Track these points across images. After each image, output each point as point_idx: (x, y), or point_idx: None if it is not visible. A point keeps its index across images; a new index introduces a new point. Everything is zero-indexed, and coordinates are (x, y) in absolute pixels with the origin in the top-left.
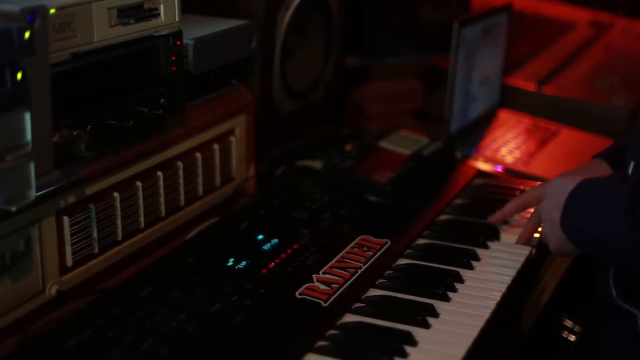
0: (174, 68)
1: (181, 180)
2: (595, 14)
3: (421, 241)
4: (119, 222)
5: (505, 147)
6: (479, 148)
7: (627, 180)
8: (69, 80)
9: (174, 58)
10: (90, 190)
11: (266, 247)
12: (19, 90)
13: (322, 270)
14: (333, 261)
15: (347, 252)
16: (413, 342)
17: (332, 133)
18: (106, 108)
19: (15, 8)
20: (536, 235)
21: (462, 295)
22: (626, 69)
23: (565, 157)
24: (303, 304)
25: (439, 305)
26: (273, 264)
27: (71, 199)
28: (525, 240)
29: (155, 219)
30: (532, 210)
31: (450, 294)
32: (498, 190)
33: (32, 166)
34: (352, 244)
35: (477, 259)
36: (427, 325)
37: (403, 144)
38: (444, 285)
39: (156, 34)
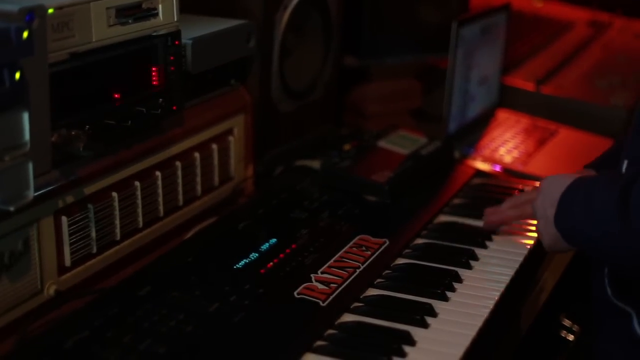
0: (172, 68)
1: (180, 180)
2: (594, 14)
3: (420, 241)
4: (117, 222)
5: (504, 146)
6: (478, 148)
7: (620, 178)
8: (67, 80)
9: (172, 58)
10: (89, 190)
11: (265, 247)
12: (17, 90)
13: (321, 270)
14: (331, 261)
15: (346, 252)
16: (411, 342)
17: (330, 133)
18: (104, 108)
19: (13, 8)
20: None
21: (460, 295)
22: (625, 69)
23: (564, 157)
24: (301, 304)
25: (437, 305)
26: (271, 263)
27: (69, 199)
28: (494, 221)
29: (154, 219)
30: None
31: (449, 294)
32: (496, 190)
33: (30, 166)
34: (351, 243)
35: (476, 258)
36: (425, 325)
37: (401, 143)
38: (442, 285)
39: (154, 34)
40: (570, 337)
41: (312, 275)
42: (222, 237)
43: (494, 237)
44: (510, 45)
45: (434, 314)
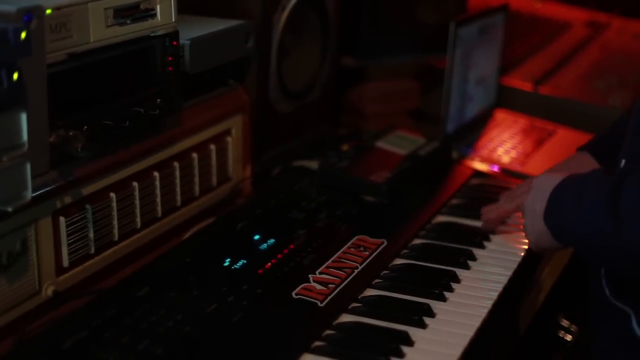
0: (170, 68)
1: (177, 181)
2: (592, 14)
3: (417, 241)
4: (115, 222)
5: (502, 147)
6: (476, 148)
7: (611, 175)
8: (65, 81)
9: (170, 58)
10: (87, 190)
11: (262, 247)
12: (15, 91)
13: (319, 270)
14: (329, 261)
15: (344, 252)
16: (409, 342)
17: (328, 133)
18: (102, 108)
19: (11, 8)
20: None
21: (458, 295)
22: (622, 69)
23: (562, 157)
24: (299, 304)
25: (435, 305)
26: (269, 264)
27: (67, 200)
28: (491, 218)
29: (152, 220)
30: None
31: (447, 294)
32: (494, 190)
33: (28, 167)
34: (349, 244)
35: (474, 258)
36: (423, 325)
37: (400, 144)
38: (440, 285)
39: (153, 34)
40: (568, 338)
41: (310, 275)
42: (220, 237)
43: (492, 237)
44: (508, 46)
45: (432, 314)
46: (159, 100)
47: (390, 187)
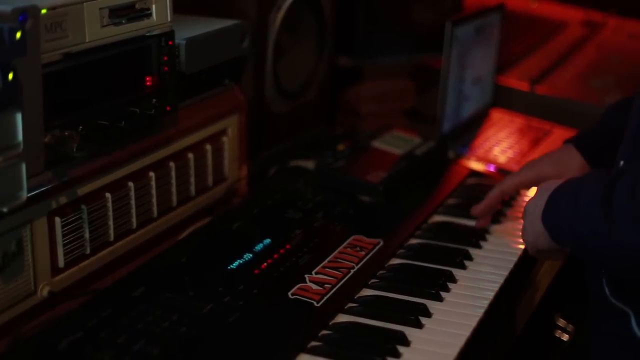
0: (166, 68)
1: (173, 181)
2: (588, 14)
3: (414, 241)
4: (111, 222)
5: (498, 146)
6: (472, 148)
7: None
8: (61, 81)
9: (166, 58)
10: (82, 191)
11: (259, 247)
12: (10, 91)
13: (315, 271)
14: (326, 261)
15: (340, 252)
16: (406, 342)
17: (324, 133)
18: (98, 108)
19: (6, 8)
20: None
21: (455, 295)
22: (619, 69)
23: None
24: (296, 304)
25: (431, 305)
26: (265, 264)
27: (63, 200)
28: (481, 209)
29: (148, 220)
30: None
31: (443, 294)
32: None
33: (23, 167)
34: (345, 244)
35: (470, 258)
36: (420, 325)
37: (396, 143)
38: (436, 285)
39: (148, 34)
40: (565, 337)
41: (306, 275)
42: (216, 237)
43: (488, 237)
44: (504, 45)
45: (428, 314)
46: (154, 100)
47: (386, 186)
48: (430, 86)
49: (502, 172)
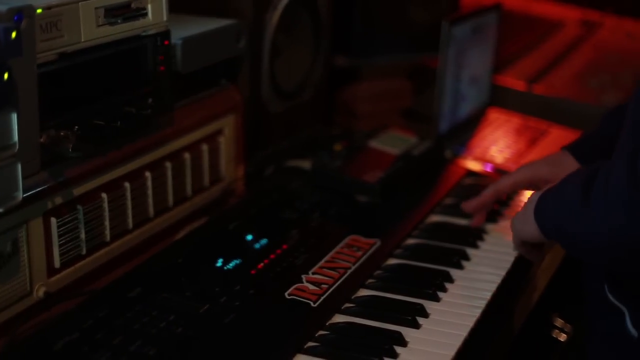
0: (162, 68)
1: (170, 181)
2: (585, 13)
3: (411, 241)
4: (107, 223)
5: (495, 146)
6: (469, 147)
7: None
8: (56, 81)
9: (161, 58)
10: (78, 191)
11: (255, 247)
12: (5, 91)
13: (312, 271)
14: (322, 261)
15: (337, 252)
16: (403, 343)
17: (321, 133)
18: (94, 108)
19: (1, 8)
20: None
21: (452, 295)
22: (616, 68)
23: None
24: (292, 305)
25: (429, 305)
26: (262, 264)
27: (58, 200)
28: (472, 205)
29: (144, 220)
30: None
31: (440, 294)
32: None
33: (19, 167)
34: (342, 244)
35: (467, 258)
36: (417, 326)
37: (392, 143)
38: (433, 285)
39: (144, 34)
40: (563, 337)
41: (303, 275)
42: (212, 238)
43: (485, 236)
44: (501, 45)
45: (425, 314)
46: (150, 100)
47: (383, 186)
48: (427, 86)
49: (499, 171)
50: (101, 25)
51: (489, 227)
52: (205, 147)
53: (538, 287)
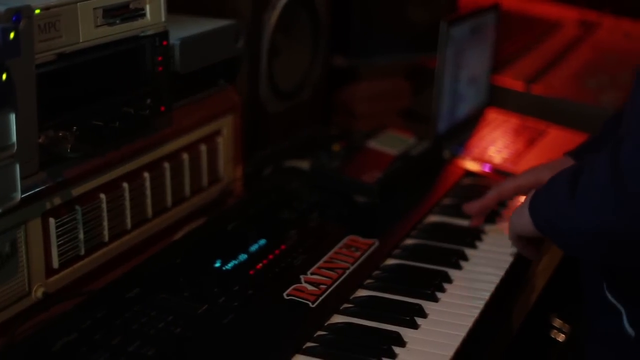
0: (160, 68)
1: (168, 181)
2: (583, 13)
3: (409, 241)
4: (105, 223)
5: (494, 146)
6: (467, 147)
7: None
8: (55, 81)
9: (160, 58)
10: (77, 191)
11: (254, 248)
12: (4, 91)
13: (310, 271)
14: (321, 262)
15: (335, 253)
16: (401, 343)
17: (319, 133)
18: (92, 109)
19: (0, 9)
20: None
21: (450, 295)
22: (614, 68)
23: (554, 157)
24: (291, 305)
25: (427, 305)
26: (261, 264)
27: (57, 201)
28: (475, 207)
29: (142, 220)
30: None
31: (439, 295)
32: (486, 190)
33: (17, 168)
34: (340, 244)
35: (466, 259)
36: (415, 326)
37: (391, 143)
38: (432, 285)
39: (142, 34)
40: (561, 337)
41: (301, 276)
42: (211, 238)
43: (483, 237)
44: (499, 45)
45: (423, 314)
46: (148, 100)
47: (381, 187)
48: (425, 86)
49: (498, 172)
50: (99, 25)
51: (488, 227)
52: (203, 148)
53: (536, 287)
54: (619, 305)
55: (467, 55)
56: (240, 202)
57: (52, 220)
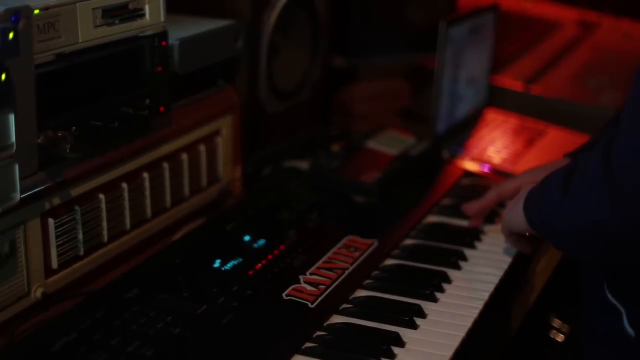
0: (159, 68)
1: (167, 182)
2: (582, 13)
3: (408, 241)
4: (104, 223)
5: (493, 146)
6: (466, 148)
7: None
8: (54, 81)
9: (159, 58)
10: (76, 191)
11: (253, 248)
12: (3, 92)
13: (309, 271)
14: (320, 262)
15: (334, 253)
16: (400, 343)
17: (319, 133)
18: (91, 109)
19: None
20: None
21: (449, 295)
22: (613, 69)
23: (553, 157)
24: (290, 305)
25: (426, 305)
26: (260, 265)
27: (56, 201)
28: (474, 208)
29: (141, 221)
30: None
31: (438, 295)
32: (485, 190)
33: (16, 168)
34: (339, 244)
35: (465, 259)
36: (414, 326)
37: (390, 144)
38: (431, 285)
39: (141, 35)
40: (560, 338)
41: (300, 276)
42: (210, 238)
43: (482, 237)
44: (498, 45)
45: (423, 315)
46: (148, 100)
47: (380, 187)
48: (424, 86)
49: (497, 172)
50: (99, 25)
51: (487, 228)
52: (202, 148)
53: (536, 287)
54: (619, 305)
55: (466, 56)
56: (240, 203)
57: (51, 221)
